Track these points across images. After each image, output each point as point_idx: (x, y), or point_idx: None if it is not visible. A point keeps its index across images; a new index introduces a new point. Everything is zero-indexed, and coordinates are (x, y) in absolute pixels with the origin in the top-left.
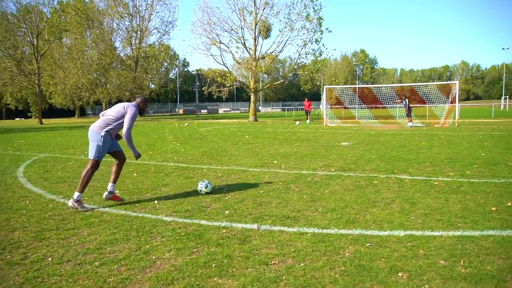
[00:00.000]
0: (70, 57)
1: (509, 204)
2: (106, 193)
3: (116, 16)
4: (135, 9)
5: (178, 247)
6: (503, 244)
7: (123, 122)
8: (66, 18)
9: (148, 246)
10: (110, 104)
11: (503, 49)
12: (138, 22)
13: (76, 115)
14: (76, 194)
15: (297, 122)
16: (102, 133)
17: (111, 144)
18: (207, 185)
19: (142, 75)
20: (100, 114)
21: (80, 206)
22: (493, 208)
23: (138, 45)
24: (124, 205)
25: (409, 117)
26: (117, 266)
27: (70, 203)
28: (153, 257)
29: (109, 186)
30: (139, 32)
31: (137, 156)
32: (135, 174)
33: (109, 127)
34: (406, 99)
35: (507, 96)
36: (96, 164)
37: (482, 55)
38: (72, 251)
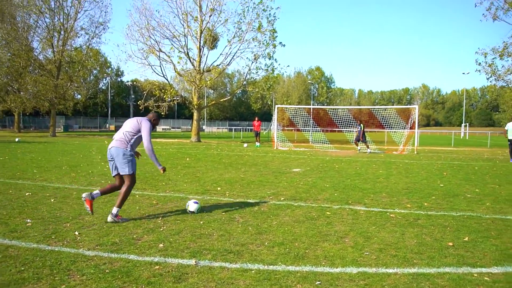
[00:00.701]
0: None
1: (466, 239)
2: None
3: (34, 10)
4: (57, 4)
5: (101, 287)
6: (458, 282)
7: (140, 136)
8: None
9: (63, 286)
10: (25, 116)
11: (463, 73)
12: (61, 20)
13: None
14: (115, 210)
15: (245, 145)
16: (128, 148)
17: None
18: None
19: (65, 83)
20: (114, 137)
21: (120, 219)
22: (450, 244)
23: (61, 47)
24: (37, 237)
25: (365, 143)
26: None
27: (109, 218)
28: None
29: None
30: (62, 32)
31: (163, 169)
32: (52, 200)
33: (131, 142)
34: (362, 125)
35: (467, 124)
36: (134, 178)
37: (443, 79)
38: None
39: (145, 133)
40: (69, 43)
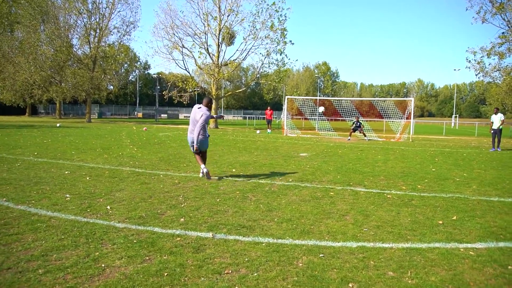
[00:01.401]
0: (21, 51)
1: (455, 218)
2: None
3: (74, 11)
4: (94, 6)
5: (129, 255)
6: (447, 256)
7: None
8: (17, 10)
9: (97, 253)
10: (65, 104)
11: (454, 70)
12: (97, 20)
13: (26, 113)
14: (203, 167)
15: (258, 131)
16: (206, 135)
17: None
18: None
19: (100, 75)
20: (192, 123)
21: (209, 176)
22: (440, 222)
23: (96, 44)
24: (74, 210)
25: (362, 132)
26: (63, 274)
27: (201, 174)
28: (103, 265)
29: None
30: (98, 31)
31: (196, 148)
32: (88, 178)
33: (206, 131)
34: (359, 121)
35: (457, 115)
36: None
37: (437, 74)
38: (14, 257)
39: (202, 118)
40: (104, 40)
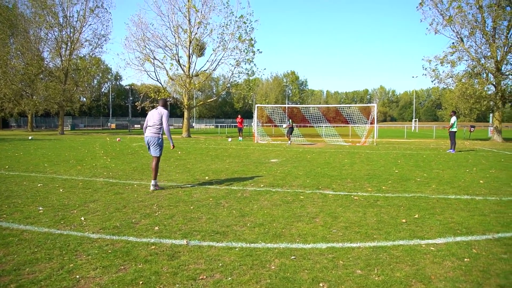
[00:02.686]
0: None
1: (417, 216)
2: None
3: (45, 25)
4: (65, 20)
5: (104, 265)
6: (410, 253)
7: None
8: None
9: (72, 265)
10: (37, 117)
11: (413, 77)
12: (68, 33)
13: None
14: (153, 182)
15: (229, 139)
16: (160, 136)
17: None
18: None
19: (72, 87)
20: (144, 127)
21: (158, 187)
22: (404, 220)
23: (68, 56)
24: (48, 223)
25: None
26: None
27: (151, 188)
28: (77, 276)
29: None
30: (69, 44)
31: (173, 145)
32: (61, 190)
33: (161, 130)
34: (290, 121)
35: (417, 119)
36: (159, 158)
37: (397, 81)
38: None
39: (165, 118)
40: (75, 53)
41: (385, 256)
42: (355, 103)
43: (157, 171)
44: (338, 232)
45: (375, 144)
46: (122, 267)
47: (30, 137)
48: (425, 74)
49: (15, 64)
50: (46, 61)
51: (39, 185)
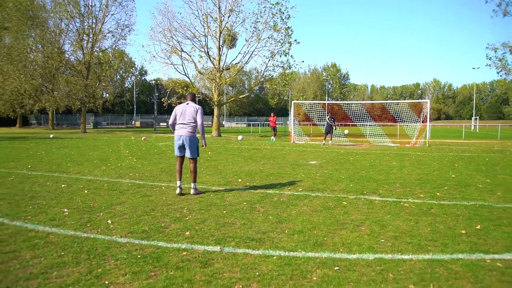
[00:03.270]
0: (10, 59)
1: (479, 227)
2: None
3: (65, 15)
4: (87, 9)
5: (134, 271)
6: (472, 268)
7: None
8: (4, 14)
9: (100, 269)
10: (58, 114)
11: (473, 68)
12: (90, 24)
13: (17, 125)
14: (193, 185)
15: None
16: (196, 135)
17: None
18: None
19: (94, 82)
20: (171, 124)
21: (199, 191)
22: (463, 231)
23: (90, 49)
24: (74, 225)
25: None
26: None
27: (192, 192)
28: (106, 282)
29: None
30: (91, 35)
31: (205, 145)
32: (86, 191)
33: (197, 128)
34: (332, 118)
35: (477, 117)
36: (197, 160)
37: (454, 73)
38: (12, 276)
39: (199, 115)
40: (97, 45)
41: (442, 271)
42: (404, 99)
43: (196, 174)
44: (387, 242)
45: (427, 145)
46: (153, 274)
47: (51, 135)
48: (489, 65)
49: (35, 57)
50: (67, 54)
51: (63, 185)
